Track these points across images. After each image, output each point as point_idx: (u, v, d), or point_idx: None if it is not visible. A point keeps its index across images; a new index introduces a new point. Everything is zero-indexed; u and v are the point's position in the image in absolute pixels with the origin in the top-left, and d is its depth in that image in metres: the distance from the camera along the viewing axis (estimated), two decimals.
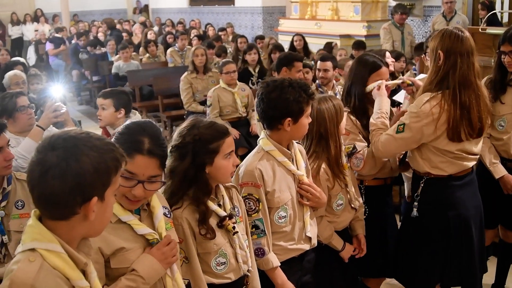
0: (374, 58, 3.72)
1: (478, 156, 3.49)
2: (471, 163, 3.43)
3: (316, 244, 3.27)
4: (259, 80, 8.25)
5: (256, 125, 6.78)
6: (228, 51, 11.31)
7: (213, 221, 2.65)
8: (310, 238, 3.19)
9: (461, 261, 3.47)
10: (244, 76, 8.22)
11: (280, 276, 3.02)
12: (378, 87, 3.56)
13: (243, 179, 2.98)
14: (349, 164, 3.51)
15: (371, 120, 3.52)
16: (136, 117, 4.55)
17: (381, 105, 3.52)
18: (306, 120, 3.03)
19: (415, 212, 3.46)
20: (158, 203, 2.39)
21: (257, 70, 8.76)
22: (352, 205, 3.50)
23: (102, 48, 13.57)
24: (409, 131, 3.28)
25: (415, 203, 3.46)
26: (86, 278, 1.78)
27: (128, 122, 2.41)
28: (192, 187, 2.60)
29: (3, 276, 1.69)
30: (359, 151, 3.56)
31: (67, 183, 1.64)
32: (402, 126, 3.30)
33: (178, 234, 2.54)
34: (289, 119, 2.96)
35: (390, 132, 3.37)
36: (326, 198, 3.26)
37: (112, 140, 2.17)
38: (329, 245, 3.45)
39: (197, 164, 2.57)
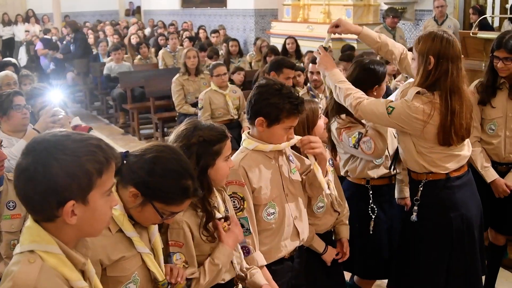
0: (379, 65, 3.75)
1: (470, 153, 3.50)
2: (466, 159, 3.44)
3: (305, 239, 3.25)
4: None
5: (248, 128, 6.76)
6: (220, 53, 11.32)
7: (210, 227, 2.64)
8: (299, 234, 3.16)
9: (466, 263, 3.44)
10: None
11: (266, 275, 3.00)
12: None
13: (228, 178, 2.95)
14: (360, 148, 3.57)
15: (339, 85, 3.47)
16: (76, 119, 4.61)
17: (339, 76, 3.52)
18: (281, 131, 2.97)
19: (414, 216, 3.42)
20: None
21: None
22: (335, 208, 3.51)
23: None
24: (396, 117, 3.26)
25: (415, 207, 3.43)
26: (84, 278, 1.79)
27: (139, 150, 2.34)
28: None
29: (2, 277, 1.69)
30: (365, 134, 3.58)
31: (37, 187, 1.65)
32: (391, 109, 3.27)
33: (178, 238, 2.54)
34: (262, 118, 2.93)
35: (379, 108, 3.32)
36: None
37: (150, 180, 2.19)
38: (310, 247, 3.45)
39: (201, 166, 2.56)
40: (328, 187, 3.39)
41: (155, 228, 2.36)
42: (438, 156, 3.32)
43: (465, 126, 3.27)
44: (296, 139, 3.07)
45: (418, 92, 3.21)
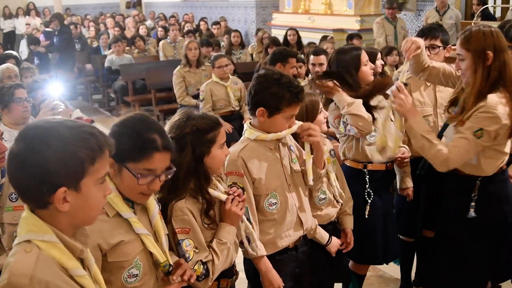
0: (353, 50, 3.85)
1: None
2: None
3: (309, 229, 3.28)
4: None
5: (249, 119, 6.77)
6: (221, 45, 11.32)
7: (211, 214, 2.66)
8: (302, 223, 3.18)
9: None
10: None
11: (264, 264, 3.02)
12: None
13: (227, 169, 2.99)
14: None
15: (428, 136, 3.20)
16: (77, 112, 4.61)
17: (424, 124, 3.30)
18: (283, 120, 2.97)
19: (472, 212, 3.30)
20: (153, 200, 2.39)
21: None
22: (337, 200, 3.52)
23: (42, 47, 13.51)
24: (488, 135, 3.10)
25: (472, 203, 3.30)
26: (84, 266, 1.79)
27: (120, 119, 2.36)
28: (192, 179, 2.60)
29: (2, 269, 1.69)
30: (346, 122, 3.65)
31: (28, 173, 1.65)
32: (480, 131, 3.09)
33: (183, 225, 2.56)
34: (262, 109, 2.93)
35: (467, 145, 3.13)
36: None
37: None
38: (314, 239, 3.45)
39: (196, 155, 2.58)
40: (329, 179, 3.43)
41: (155, 210, 2.36)
42: (504, 157, 3.26)
43: None
44: (297, 125, 3.07)
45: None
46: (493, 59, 3.11)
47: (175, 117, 2.68)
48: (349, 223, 3.65)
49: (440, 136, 3.46)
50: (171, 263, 2.34)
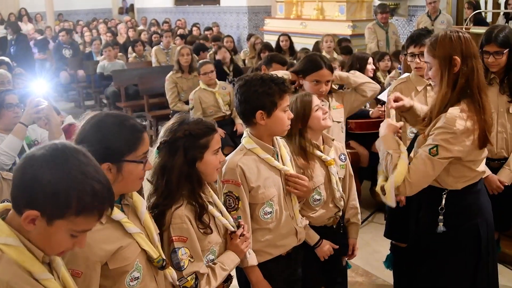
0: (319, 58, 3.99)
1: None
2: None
3: (303, 240, 3.27)
4: (234, 78, 8.46)
5: (241, 125, 6.79)
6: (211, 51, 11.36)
7: (205, 219, 2.67)
8: (297, 234, 3.18)
9: (490, 268, 3.28)
10: (220, 76, 8.27)
11: (255, 274, 3.03)
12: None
13: (225, 176, 3.00)
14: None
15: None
16: (69, 118, 4.60)
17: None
18: (282, 114, 3.00)
19: (441, 227, 3.12)
20: (140, 197, 2.39)
21: (231, 68, 9.01)
22: (336, 203, 3.47)
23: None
24: (445, 151, 2.91)
25: (440, 217, 3.12)
26: (51, 268, 1.81)
27: (84, 122, 2.38)
28: (186, 184, 2.61)
29: None
30: None
31: (22, 178, 1.68)
32: (435, 148, 2.90)
33: (181, 233, 2.56)
34: (261, 111, 2.96)
35: (421, 163, 2.93)
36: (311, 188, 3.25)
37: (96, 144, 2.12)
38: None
39: (188, 160, 2.59)
40: (330, 182, 3.41)
41: (142, 206, 2.36)
42: (474, 173, 3.11)
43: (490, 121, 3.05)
44: (288, 168, 3.12)
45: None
46: (461, 66, 2.94)
47: (170, 121, 2.71)
48: (352, 233, 3.63)
49: (410, 147, 3.31)
50: (164, 258, 2.36)
